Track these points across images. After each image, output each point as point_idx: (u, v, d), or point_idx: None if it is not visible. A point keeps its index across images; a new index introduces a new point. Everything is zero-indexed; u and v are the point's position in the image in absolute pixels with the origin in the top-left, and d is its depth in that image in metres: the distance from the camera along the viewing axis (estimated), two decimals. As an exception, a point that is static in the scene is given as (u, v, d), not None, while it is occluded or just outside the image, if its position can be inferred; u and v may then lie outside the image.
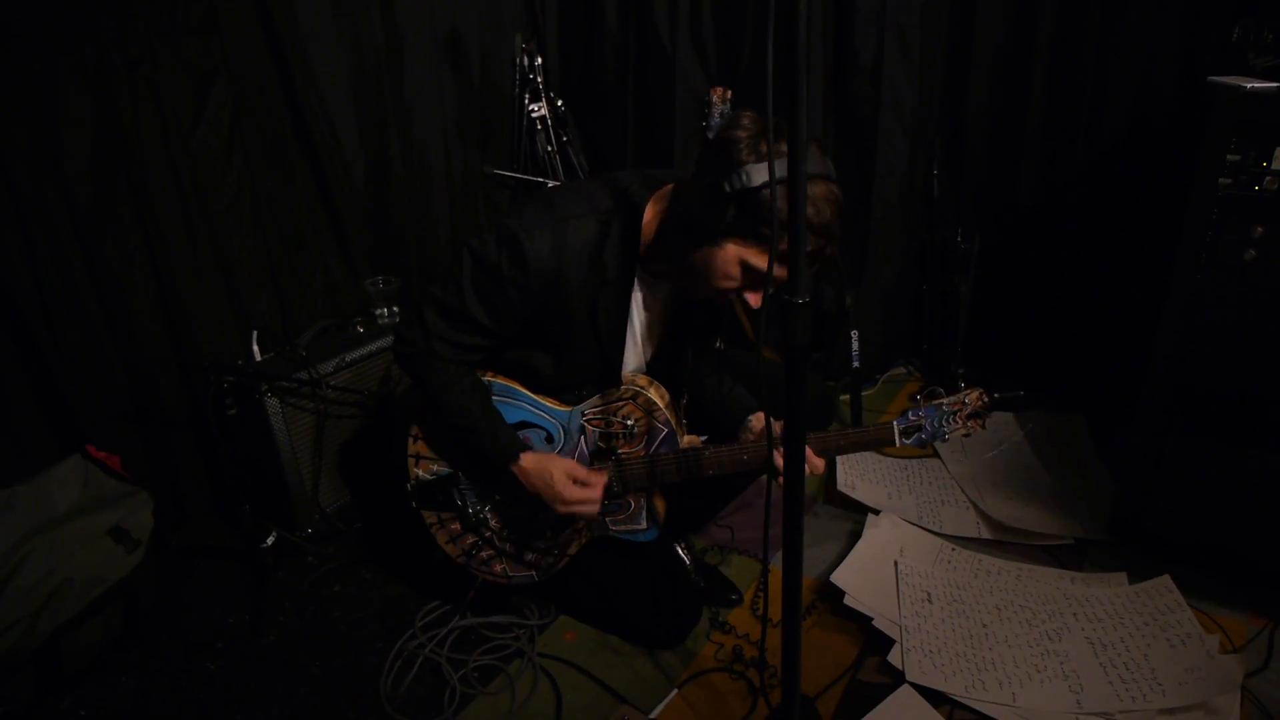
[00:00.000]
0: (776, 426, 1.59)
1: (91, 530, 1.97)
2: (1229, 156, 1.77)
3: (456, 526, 1.99)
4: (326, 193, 2.69)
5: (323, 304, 2.77)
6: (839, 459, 2.64)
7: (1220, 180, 1.79)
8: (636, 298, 1.78)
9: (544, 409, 1.87)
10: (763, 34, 1.01)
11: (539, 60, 2.98)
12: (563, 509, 1.83)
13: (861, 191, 3.04)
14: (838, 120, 3.03)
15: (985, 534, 2.35)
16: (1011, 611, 2.02)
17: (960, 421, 1.80)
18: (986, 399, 1.80)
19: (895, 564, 2.17)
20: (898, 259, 3.18)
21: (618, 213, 1.68)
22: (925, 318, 3.24)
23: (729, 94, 2.49)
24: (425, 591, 2.21)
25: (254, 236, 2.54)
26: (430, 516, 1.99)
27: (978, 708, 1.76)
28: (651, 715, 1.82)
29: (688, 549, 2.24)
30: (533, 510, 1.91)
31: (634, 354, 1.87)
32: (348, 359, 2.45)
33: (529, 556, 2.00)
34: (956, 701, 1.78)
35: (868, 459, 2.72)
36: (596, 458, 1.89)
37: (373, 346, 2.51)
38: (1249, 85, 1.74)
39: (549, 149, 3.03)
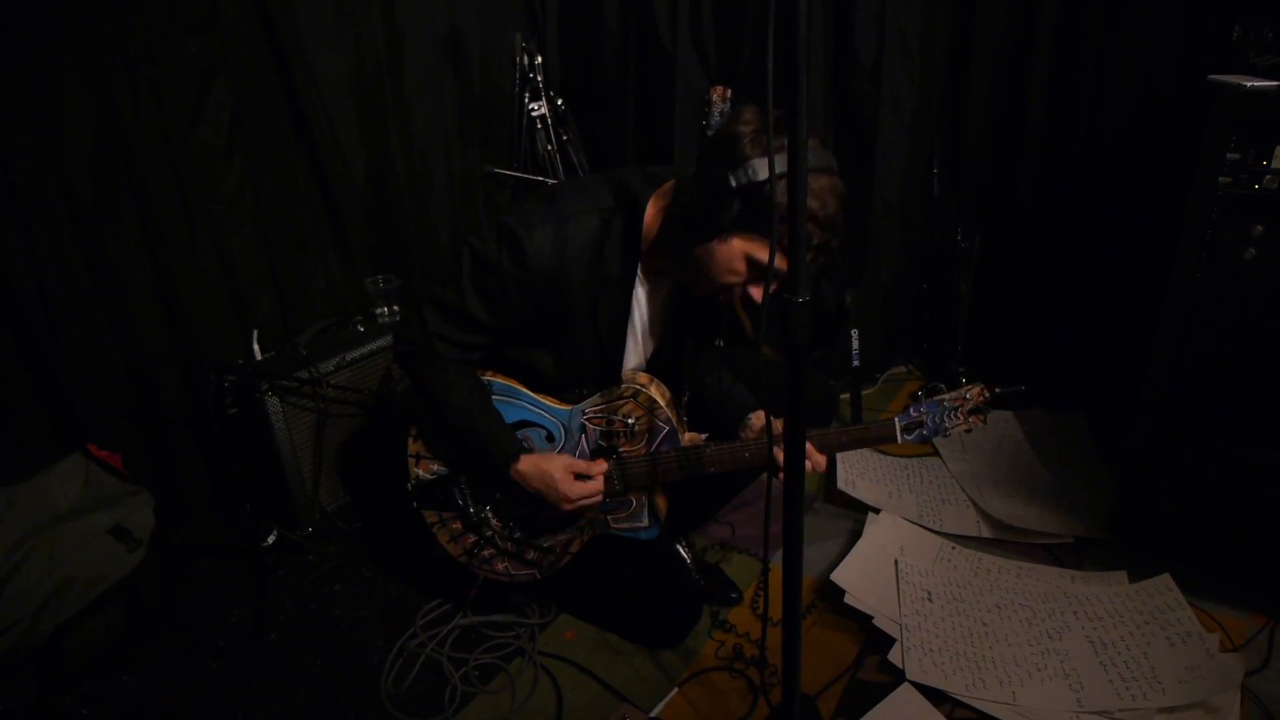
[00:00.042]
0: (777, 424, 1.59)
1: (92, 529, 1.97)
2: (1229, 155, 1.77)
3: (458, 526, 1.99)
4: (326, 191, 2.70)
5: (323, 303, 2.77)
6: (839, 458, 2.64)
7: (1220, 179, 1.79)
8: (638, 295, 1.78)
9: (544, 408, 1.87)
10: (763, 33, 1.01)
11: (539, 59, 2.99)
12: (568, 506, 1.84)
13: (861, 190, 3.04)
14: (838, 119, 3.03)
15: (985, 533, 2.35)
16: (1012, 610, 2.02)
17: (962, 417, 1.80)
18: (988, 394, 1.80)
19: (895, 563, 2.17)
20: (898, 258, 3.18)
21: (619, 210, 1.68)
22: (925, 316, 3.24)
23: (729, 93, 2.49)
24: (426, 590, 2.21)
25: (254, 235, 2.54)
26: (431, 516, 1.99)
27: (978, 706, 1.76)
28: (652, 714, 1.82)
29: (688, 547, 2.24)
30: (534, 509, 1.91)
31: (634, 352, 1.87)
32: (348, 358, 2.45)
33: (530, 555, 2.00)
34: (957, 700, 1.78)
35: (868, 458, 2.72)
36: (597, 456, 1.89)
37: (373, 345, 2.51)
38: (1249, 84, 1.74)
39: (549, 148, 3.04)
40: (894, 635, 1.94)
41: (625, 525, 1.96)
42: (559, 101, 3.10)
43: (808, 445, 1.70)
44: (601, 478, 1.85)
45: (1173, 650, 1.84)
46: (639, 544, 2.01)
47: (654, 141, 3.16)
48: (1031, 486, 2.52)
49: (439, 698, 1.88)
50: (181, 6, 2.25)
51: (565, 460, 1.84)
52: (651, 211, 1.67)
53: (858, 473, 2.60)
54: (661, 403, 1.83)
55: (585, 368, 1.83)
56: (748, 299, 1.60)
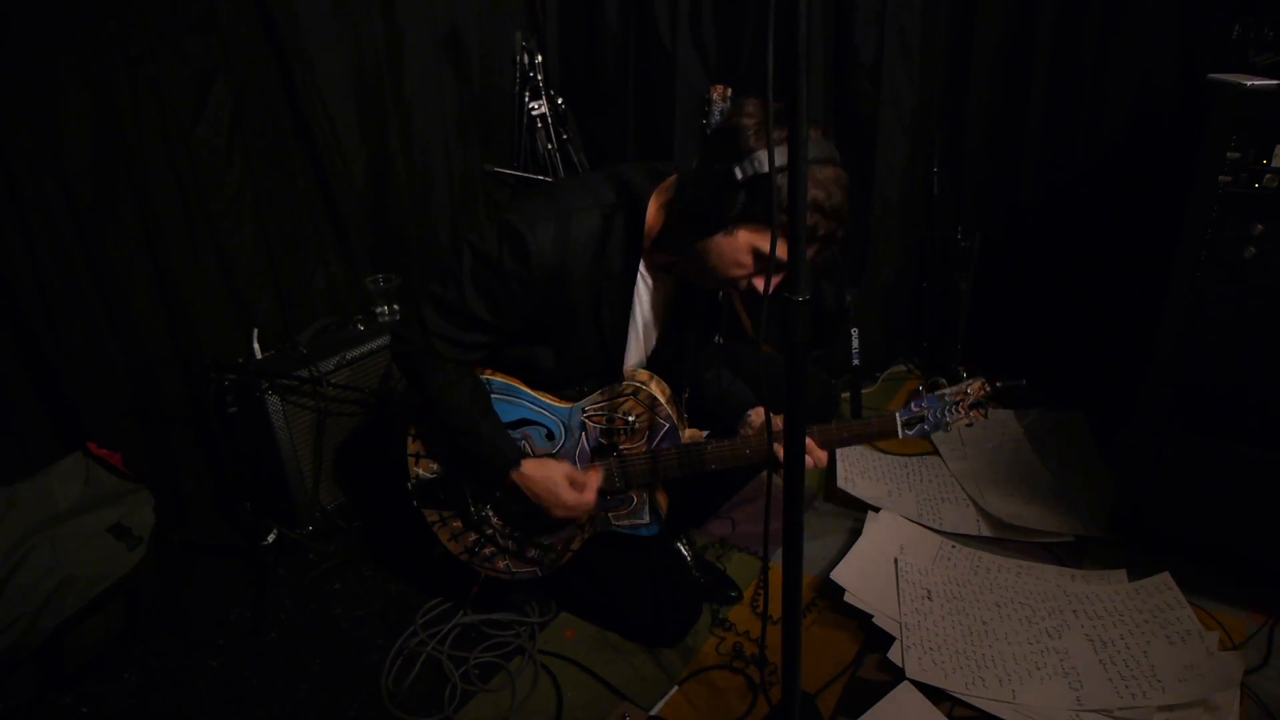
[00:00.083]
0: (777, 420, 1.58)
1: (93, 528, 1.97)
2: (1229, 154, 1.77)
3: (458, 524, 1.99)
4: (327, 190, 2.70)
5: (323, 302, 2.77)
6: (839, 457, 2.64)
7: (1220, 178, 1.79)
8: (639, 291, 1.77)
9: (544, 406, 1.86)
10: (763, 32, 1.01)
11: (539, 58, 2.98)
12: (562, 513, 1.84)
13: (862, 190, 3.04)
14: (838, 119, 3.03)
15: (985, 531, 2.36)
16: (1011, 609, 2.02)
17: (963, 411, 1.80)
18: (988, 388, 1.79)
19: (895, 561, 2.17)
20: (898, 257, 3.18)
21: (621, 205, 1.67)
22: (925, 316, 3.24)
23: (729, 92, 2.49)
24: (426, 589, 2.21)
25: (254, 234, 2.54)
26: (432, 515, 1.99)
27: (978, 705, 1.77)
28: (652, 712, 1.82)
29: (689, 545, 2.25)
30: (534, 508, 1.91)
31: (636, 348, 1.87)
32: (348, 357, 2.45)
33: (531, 553, 2.00)
34: (956, 698, 1.78)
35: (868, 456, 2.72)
36: (598, 454, 1.89)
37: (373, 344, 2.51)
38: (1249, 83, 1.74)
39: (549, 147, 3.03)
40: (894, 634, 1.94)
41: (626, 522, 1.96)
42: (559, 100, 3.09)
43: (808, 441, 1.70)
44: (594, 490, 1.84)
45: (1172, 649, 1.84)
46: (639, 542, 2.01)
47: (654, 140, 3.16)
48: (1031, 485, 2.52)
49: (439, 696, 1.89)
50: (181, 6, 2.25)
51: (566, 468, 1.84)
52: (654, 207, 1.66)
53: (858, 471, 2.61)
54: (662, 400, 1.83)
55: (586, 365, 1.82)
56: (749, 295, 1.59)
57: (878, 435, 1.85)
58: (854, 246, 3.12)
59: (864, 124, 2.97)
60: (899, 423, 1.80)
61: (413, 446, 1.95)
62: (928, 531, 2.35)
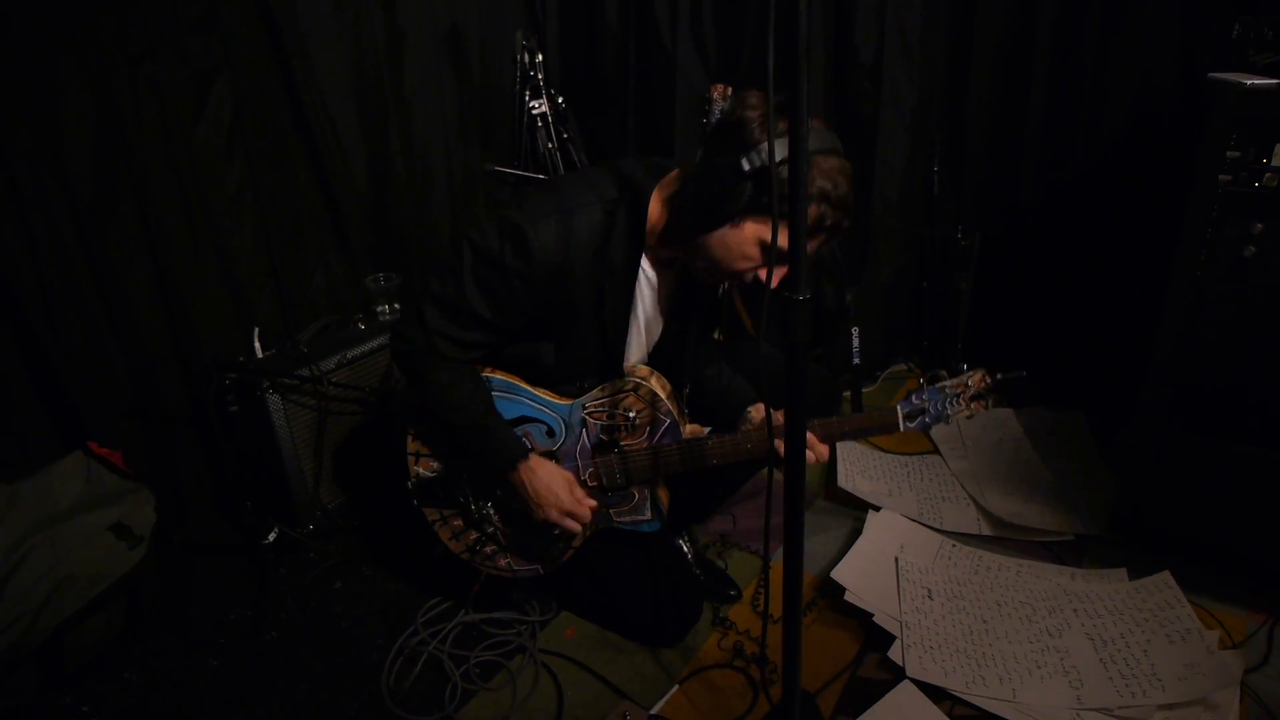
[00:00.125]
0: (777, 415, 1.58)
1: (93, 527, 1.98)
2: (1229, 153, 1.77)
3: (459, 523, 1.99)
4: (327, 189, 2.70)
5: (324, 301, 2.77)
6: (839, 456, 2.64)
7: (1220, 177, 1.79)
8: (641, 287, 1.76)
9: (544, 403, 1.86)
10: (763, 31, 1.01)
11: (539, 57, 2.98)
12: (555, 516, 1.84)
13: (862, 189, 3.02)
14: (838, 118, 3.03)
15: (986, 530, 2.36)
16: (1012, 607, 2.02)
17: (964, 403, 1.79)
18: (989, 380, 1.79)
19: (896, 560, 2.18)
20: (898, 256, 3.18)
21: (623, 200, 1.66)
22: (925, 315, 3.24)
23: (729, 91, 2.48)
24: (426, 588, 2.21)
25: (255, 233, 2.54)
26: (432, 514, 1.99)
27: (978, 704, 1.77)
28: (652, 711, 1.82)
29: (690, 542, 2.25)
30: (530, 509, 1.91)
31: (637, 344, 1.86)
32: (349, 356, 2.45)
33: (534, 550, 2.00)
34: (957, 697, 1.79)
35: (868, 455, 2.72)
36: (598, 450, 1.89)
37: (374, 343, 2.51)
38: (1249, 82, 1.74)
39: (549, 146, 3.03)
40: (894, 633, 1.95)
41: (628, 519, 1.96)
42: (559, 100, 3.09)
43: (809, 435, 1.70)
44: (588, 513, 1.86)
45: (1172, 647, 1.84)
46: (640, 540, 2.01)
47: (654, 139, 3.16)
48: (1032, 484, 2.52)
49: (440, 695, 1.89)
50: (182, 5, 2.25)
51: (570, 476, 1.86)
52: (656, 201, 1.66)
53: (858, 470, 2.61)
54: (662, 395, 1.83)
55: (587, 361, 1.81)
56: (753, 289, 1.59)
57: (879, 428, 1.83)
58: (854, 246, 3.12)
59: (864, 123, 2.97)
60: (900, 415, 1.79)
61: (412, 445, 1.95)
62: (928, 530, 2.35)
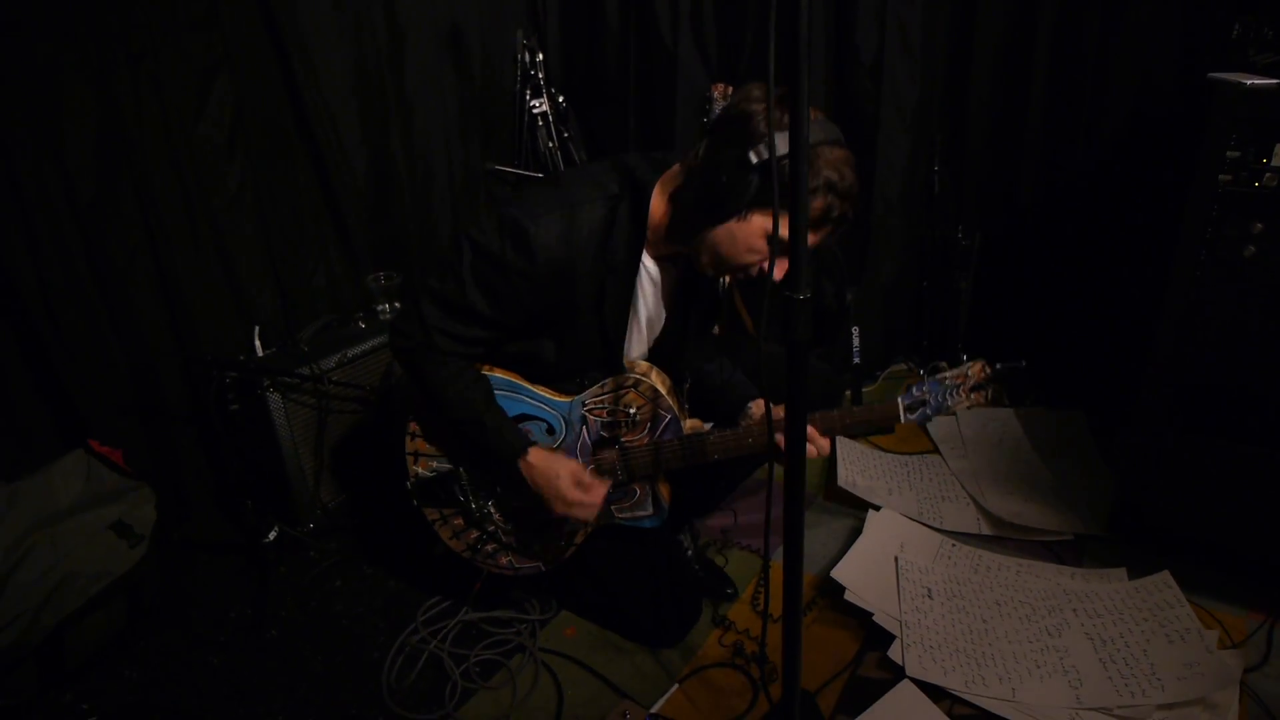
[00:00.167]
0: (778, 410, 1.58)
1: (94, 525, 1.98)
2: (1229, 153, 1.77)
3: (460, 522, 1.99)
4: (328, 188, 2.70)
5: (324, 299, 2.78)
6: (839, 456, 2.64)
7: (1220, 177, 1.79)
8: (642, 282, 1.76)
9: (544, 400, 1.86)
10: (764, 30, 1.01)
11: (540, 56, 2.99)
12: (562, 509, 1.82)
13: (862, 188, 3.02)
14: (838, 117, 3.01)
15: (985, 530, 2.36)
16: (1011, 607, 2.03)
17: (964, 394, 1.79)
18: (988, 370, 1.79)
19: (895, 560, 2.18)
20: (898, 255, 3.18)
21: (624, 195, 1.65)
22: (926, 314, 3.24)
23: (730, 90, 2.48)
24: (427, 586, 2.22)
25: (256, 232, 2.54)
26: (432, 513, 1.98)
27: (977, 703, 1.77)
28: (652, 710, 1.82)
29: (692, 539, 2.25)
30: (536, 503, 1.91)
31: (637, 340, 1.86)
32: (349, 354, 2.45)
33: (535, 548, 2.00)
34: (956, 696, 1.79)
35: (868, 455, 2.72)
36: (599, 447, 1.89)
37: (374, 342, 2.51)
38: (1249, 82, 1.74)
39: (550, 145, 3.04)
40: (894, 632, 1.95)
41: (629, 515, 1.96)
42: (560, 99, 3.10)
43: (810, 429, 1.69)
44: (600, 497, 1.82)
45: (1172, 647, 1.84)
46: (640, 538, 2.01)
47: (655, 139, 3.16)
48: (1031, 484, 2.52)
49: (440, 694, 1.89)
50: (183, 4, 2.25)
51: (574, 466, 1.83)
52: (658, 196, 1.65)
53: (858, 470, 2.61)
54: (663, 391, 1.82)
55: (588, 357, 1.80)
56: (749, 293, 1.59)
57: (880, 421, 1.82)
58: (854, 245, 3.12)
59: (865, 123, 2.97)
60: (901, 408, 1.79)
61: (411, 445, 1.94)
62: (928, 530, 2.35)
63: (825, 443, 1.76)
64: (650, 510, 1.95)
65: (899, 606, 2.02)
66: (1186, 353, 1.95)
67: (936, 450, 2.76)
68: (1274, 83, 1.72)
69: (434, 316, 1.70)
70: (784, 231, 1.41)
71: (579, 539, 1.99)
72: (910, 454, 2.76)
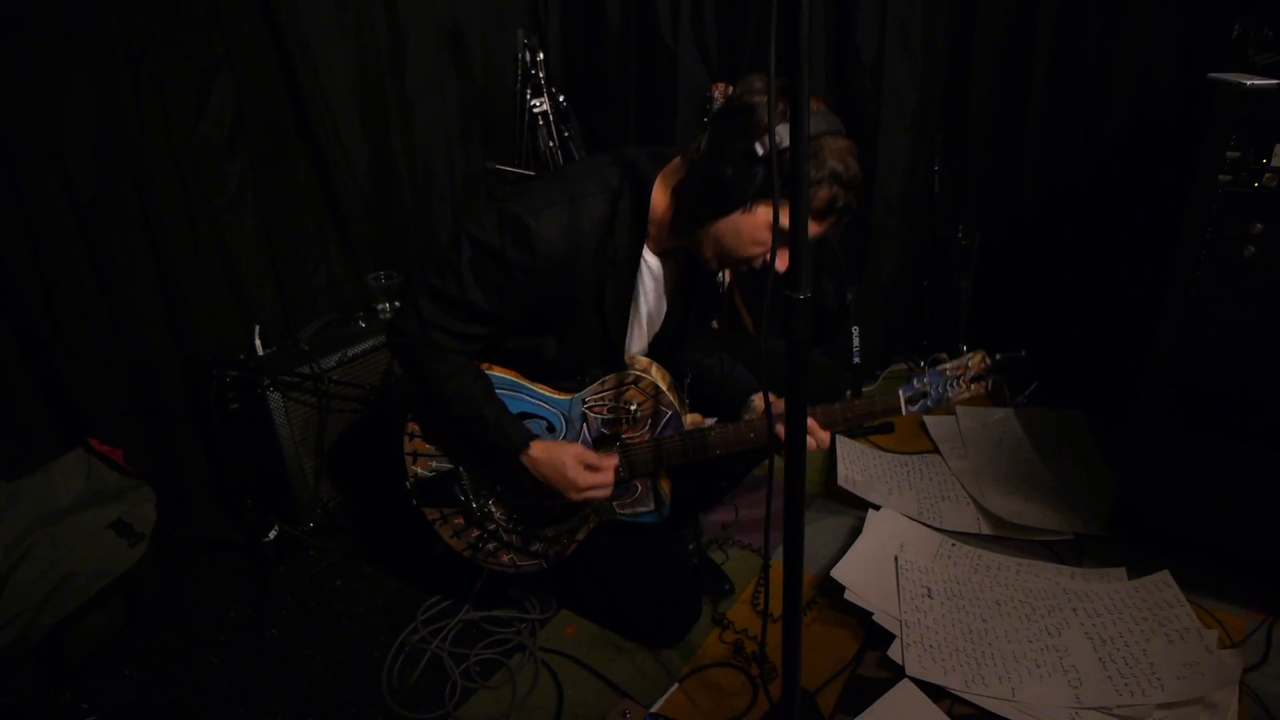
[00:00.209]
0: (779, 403, 1.57)
1: (94, 524, 1.98)
2: (1229, 153, 1.77)
3: (460, 521, 1.99)
4: (329, 187, 2.70)
5: (325, 298, 2.78)
6: (839, 455, 2.65)
7: (1220, 177, 1.79)
8: (643, 276, 1.75)
9: (543, 398, 1.85)
10: (764, 30, 1.01)
11: (541, 56, 2.99)
12: (576, 496, 1.81)
13: (863, 188, 3.04)
14: (839, 116, 3.02)
15: (985, 529, 2.36)
16: (1011, 606, 2.03)
17: (964, 385, 1.79)
18: (988, 361, 1.79)
19: (895, 559, 2.18)
20: (898, 255, 3.18)
21: (625, 188, 1.64)
22: (926, 314, 3.25)
23: (731, 90, 2.49)
24: (427, 586, 2.22)
25: (256, 231, 2.55)
26: (432, 513, 1.98)
27: (977, 702, 1.77)
28: (652, 709, 1.82)
29: (694, 534, 2.25)
30: (538, 499, 1.91)
31: (638, 335, 1.85)
32: (350, 354, 2.45)
33: (536, 545, 2.00)
34: (956, 696, 1.79)
35: (868, 455, 2.72)
36: (600, 444, 1.88)
37: (375, 341, 2.51)
38: (1249, 82, 1.74)
39: (551, 144, 3.03)
40: (894, 631, 1.95)
41: (630, 510, 1.96)
42: (561, 98, 3.10)
43: (811, 421, 1.68)
44: (611, 472, 1.81)
45: (1171, 647, 1.84)
46: (642, 536, 2.01)
47: (656, 138, 3.16)
48: (1031, 483, 2.52)
49: (440, 693, 1.89)
50: (184, 3, 2.26)
51: (577, 449, 1.82)
52: (660, 190, 1.64)
53: (858, 469, 2.61)
54: (663, 387, 1.82)
55: (589, 353, 1.80)
56: (749, 292, 1.59)
57: (881, 414, 1.82)
58: (854, 245, 3.12)
59: (865, 122, 2.97)
60: (902, 399, 1.79)
61: (410, 445, 1.94)
62: (928, 530, 2.35)
63: (825, 435, 1.75)
64: (652, 506, 1.95)
65: (899, 606, 2.02)
66: (1186, 353, 1.95)
67: (936, 450, 2.76)
68: (1274, 83, 1.72)
69: (433, 314, 1.69)
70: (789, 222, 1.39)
71: (581, 535, 1.98)
72: (910, 454, 2.76)
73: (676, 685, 1.88)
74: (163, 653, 2.05)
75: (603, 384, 1.84)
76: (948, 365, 1.79)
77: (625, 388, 1.83)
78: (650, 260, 1.74)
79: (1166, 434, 2.03)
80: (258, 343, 2.42)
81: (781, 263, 1.43)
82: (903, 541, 2.27)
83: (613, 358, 1.81)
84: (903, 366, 3.38)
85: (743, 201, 1.48)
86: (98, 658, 2.00)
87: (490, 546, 2.00)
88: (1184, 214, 1.87)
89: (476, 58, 3.02)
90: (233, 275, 2.50)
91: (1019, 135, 2.87)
